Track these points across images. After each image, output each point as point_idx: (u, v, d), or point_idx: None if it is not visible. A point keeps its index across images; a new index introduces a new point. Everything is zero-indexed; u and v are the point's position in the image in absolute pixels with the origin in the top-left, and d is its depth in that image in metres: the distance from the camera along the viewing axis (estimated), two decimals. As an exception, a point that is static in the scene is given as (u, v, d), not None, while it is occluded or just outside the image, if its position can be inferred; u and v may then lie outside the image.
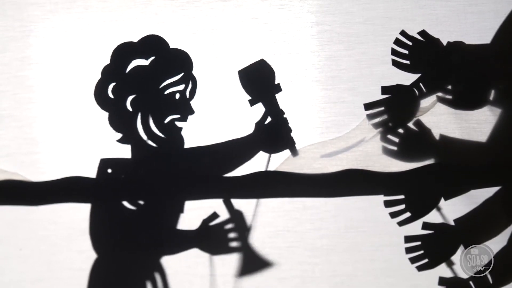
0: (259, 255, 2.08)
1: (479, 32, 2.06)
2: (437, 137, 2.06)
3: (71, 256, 2.12)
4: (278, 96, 2.06)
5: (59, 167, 2.11)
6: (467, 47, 2.04)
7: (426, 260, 2.05)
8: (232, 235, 2.08)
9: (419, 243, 2.04)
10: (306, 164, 2.08)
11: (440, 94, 2.06)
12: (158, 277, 2.08)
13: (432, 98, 2.07)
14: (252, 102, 2.06)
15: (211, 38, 2.09)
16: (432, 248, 2.04)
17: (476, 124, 2.06)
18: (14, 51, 2.12)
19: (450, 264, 2.06)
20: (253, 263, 2.08)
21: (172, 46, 2.09)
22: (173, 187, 2.07)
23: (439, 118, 2.06)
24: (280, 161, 2.08)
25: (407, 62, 2.05)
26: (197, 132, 2.09)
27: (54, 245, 2.12)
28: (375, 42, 2.07)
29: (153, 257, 2.09)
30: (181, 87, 2.07)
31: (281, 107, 2.06)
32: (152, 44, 2.07)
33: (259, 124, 2.07)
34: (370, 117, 2.06)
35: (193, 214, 2.09)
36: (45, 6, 2.11)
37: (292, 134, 2.06)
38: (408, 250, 2.05)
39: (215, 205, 2.09)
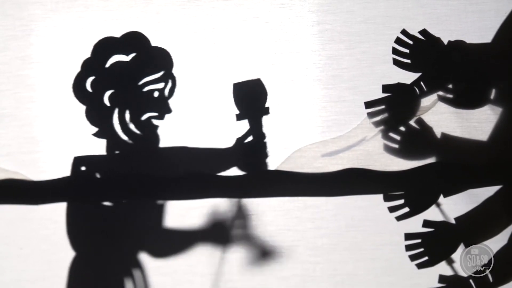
0: (264, 245, 2.09)
1: (480, 31, 2.06)
2: (438, 135, 2.06)
3: (71, 255, 2.12)
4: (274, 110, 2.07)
5: (59, 166, 2.11)
6: (468, 46, 2.04)
7: (426, 258, 2.05)
8: (236, 226, 2.08)
9: (419, 240, 2.05)
10: (307, 163, 2.08)
11: (441, 93, 2.06)
12: (138, 274, 2.08)
13: (433, 97, 2.07)
14: (238, 117, 2.06)
15: (212, 37, 2.09)
16: (432, 246, 2.05)
17: (477, 123, 2.06)
18: (14, 50, 2.12)
19: (450, 262, 2.06)
20: (258, 253, 2.09)
21: (173, 45, 2.09)
22: (157, 185, 2.08)
23: (440, 117, 2.06)
24: (281, 160, 2.08)
25: (408, 61, 2.05)
26: (192, 131, 2.10)
27: (55, 244, 2.12)
28: (376, 41, 2.07)
29: (132, 254, 2.09)
30: (160, 85, 2.07)
31: (264, 130, 2.06)
32: (134, 41, 2.08)
33: (240, 141, 2.07)
34: (370, 115, 2.06)
35: (195, 213, 2.10)
36: (46, 5, 2.11)
37: (267, 160, 2.06)
38: (408, 248, 2.05)
39: (215, 203, 2.10)
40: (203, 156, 2.07)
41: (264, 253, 2.09)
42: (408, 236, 2.05)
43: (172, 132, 2.09)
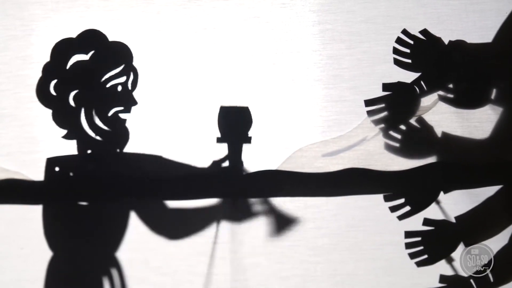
0: (285, 213, 2.08)
1: (481, 30, 2.06)
2: (439, 134, 2.06)
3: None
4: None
5: (60, 166, 2.12)
6: (468, 46, 2.05)
7: (425, 256, 2.05)
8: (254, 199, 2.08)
9: (419, 239, 2.05)
10: (308, 163, 2.08)
11: (441, 93, 2.06)
12: (114, 272, 2.08)
13: (434, 96, 2.07)
14: (219, 140, 2.06)
15: (212, 37, 2.09)
16: (432, 245, 2.05)
17: (477, 123, 2.06)
18: (15, 50, 2.12)
19: (450, 261, 2.06)
20: (280, 222, 2.08)
21: (174, 45, 2.09)
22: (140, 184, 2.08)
23: (441, 116, 2.07)
24: (281, 160, 2.08)
25: (409, 61, 2.05)
26: (197, 129, 2.10)
27: (55, 244, 2.12)
28: (376, 41, 2.07)
29: (108, 253, 2.09)
30: (122, 79, 2.08)
31: (242, 158, 2.07)
32: (91, 39, 2.08)
33: (216, 164, 2.07)
34: (370, 113, 2.06)
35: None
36: (46, 5, 2.11)
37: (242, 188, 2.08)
38: (408, 246, 2.05)
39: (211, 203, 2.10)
40: (176, 167, 2.08)
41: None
42: (408, 234, 2.05)
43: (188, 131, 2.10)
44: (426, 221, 2.04)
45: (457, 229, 2.05)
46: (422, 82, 2.05)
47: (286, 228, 2.08)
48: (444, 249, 2.06)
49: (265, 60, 2.08)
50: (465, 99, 2.06)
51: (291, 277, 2.10)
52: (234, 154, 2.07)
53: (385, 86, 2.05)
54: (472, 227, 2.05)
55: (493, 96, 2.05)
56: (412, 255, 2.05)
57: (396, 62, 2.06)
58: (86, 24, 2.10)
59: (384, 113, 2.06)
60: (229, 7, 2.09)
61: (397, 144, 2.06)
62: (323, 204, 2.09)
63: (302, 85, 2.08)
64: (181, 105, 2.10)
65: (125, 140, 2.08)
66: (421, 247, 2.05)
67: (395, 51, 2.06)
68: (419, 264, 2.05)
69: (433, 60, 2.05)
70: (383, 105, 2.06)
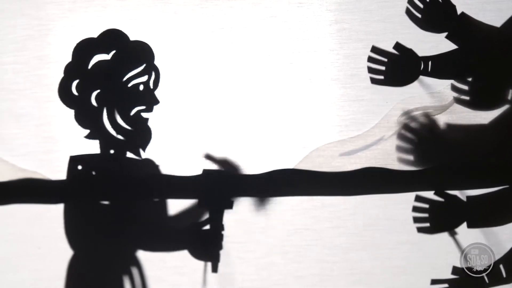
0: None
1: (498, 29, 2.06)
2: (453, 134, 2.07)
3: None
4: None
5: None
6: (479, 24, 2.04)
7: (427, 224, 2.05)
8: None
9: (427, 205, 2.05)
10: (325, 162, 2.08)
11: (456, 94, 2.06)
12: (135, 272, 2.09)
13: (450, 97, 2.07)
14: (199, 204, 2.07)
15: (229, 37, 2.10)
16: (437, 215, 2.05)
17: (495, 123, 2.06)
18: (32, 49, 2.13)
19: (453, 234, 2.06)
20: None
21: (191, 44, 2.09)
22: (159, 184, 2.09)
23: (458, 116, 2.06)
24: (299, 159, 2.08)
25: (419, 15, 2.04)
26: (204, 127, 2.10)
27: (73, 243, 2.13)
28: (393, 40, 2.07)
29: (130, 252, 2.10)
30: (144, 78, 2.08)
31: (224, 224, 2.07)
32: (112, 38, 2.08)
33: (196, 226, 2.08)
34: (371, 60, 2.05)
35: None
36: (63, 5, 2.12)
37: (221, 252, 2.07)
38: (415, 209, 2.06)
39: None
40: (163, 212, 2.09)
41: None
42: (417, 198, 2.06)
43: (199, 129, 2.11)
44: (438, 192, 2.04)
45: (465, 208, 2.05)
46: (429, 62, 2.05)
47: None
48: (447, 223, 2.06)
49: (282, 60, 2.08)
50: (481, 100, 2.05)
51: (307, 277, 2.11)
52: (215, 220, 2.07)
53: (397, 45, 2.05)
54: (480, 210, 2.05)
55: (510, 96, 2.05)
56: (415, 219, 2.06)
57: (408, 12, 2.05)
58: (103, 24, 2.10)
59: (382, 67, 2.05)
60: (246, 6, 2.09)
61: (410, 157, 2.07)
62: (340, 203, 2.09)
63: (319, 85, 2.09)
64: (198, 104, 2.10)
65: (147, 139, 2.08)
66: (426, 214, 2.05)
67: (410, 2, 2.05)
68: (419, 230, 2.06)
69: (443, 26, 2.03)
70: (385, 60, 2.05)
